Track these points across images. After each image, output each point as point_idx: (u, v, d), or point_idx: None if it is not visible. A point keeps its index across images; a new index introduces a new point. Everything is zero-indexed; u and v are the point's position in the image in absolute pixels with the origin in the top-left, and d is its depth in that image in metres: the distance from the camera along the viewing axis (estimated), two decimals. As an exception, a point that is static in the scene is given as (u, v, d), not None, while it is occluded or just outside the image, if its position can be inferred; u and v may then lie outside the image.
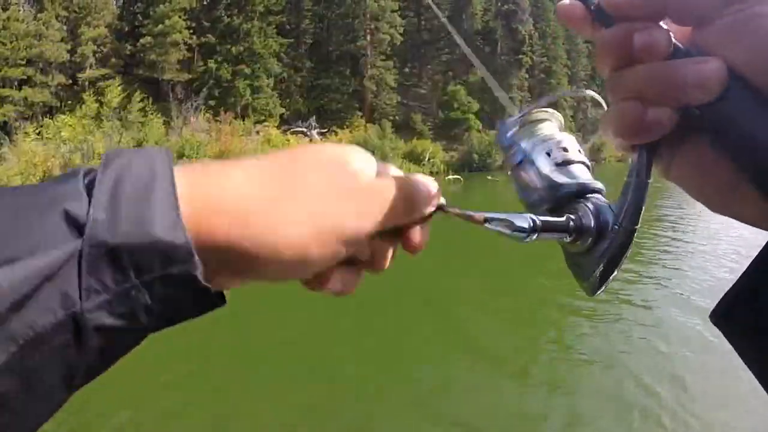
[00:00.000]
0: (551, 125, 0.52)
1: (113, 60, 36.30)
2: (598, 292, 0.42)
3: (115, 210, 0.29)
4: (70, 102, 33.30)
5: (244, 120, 36.93)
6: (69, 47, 33.82)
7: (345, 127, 42.92)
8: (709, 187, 0.36)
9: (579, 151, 0.48)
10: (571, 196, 0.45)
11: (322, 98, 44.25)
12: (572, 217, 0.43)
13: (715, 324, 0.32)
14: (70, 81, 34.30)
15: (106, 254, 0.28)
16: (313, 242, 0.36)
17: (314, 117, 42.73)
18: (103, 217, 0.28)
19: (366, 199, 0.40)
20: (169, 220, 0.29)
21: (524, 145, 0.50)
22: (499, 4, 56.31)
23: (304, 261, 0.36)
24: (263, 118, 38.86)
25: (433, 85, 53.69)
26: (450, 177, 37.34)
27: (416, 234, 0.45)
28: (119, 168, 0.31)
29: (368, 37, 45.30)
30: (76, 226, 0.28)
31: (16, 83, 31.50)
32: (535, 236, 0.41)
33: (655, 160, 0.37)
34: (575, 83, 66.80)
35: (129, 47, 36.72)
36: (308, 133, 41.24)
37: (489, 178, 36.31)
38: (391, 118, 45.71)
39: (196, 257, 0.30)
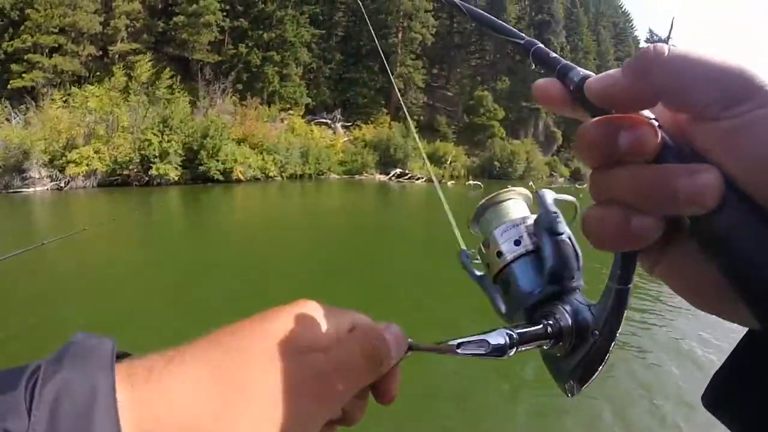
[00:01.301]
0: (520, 205, 0.49)
1: (145, 36, 36.40)
2: (576, 394, 0.40)
3: None
4: (98, 73, 33.40)
5: (269, 106, 36.88)
6: (102, 19, 33.99)
7: (369, 122, 42.65)
8: (695, 291, 0.34)
9: None
10: (548, 299, 0.43)
11: (348, 91, 44.09)
12: (549, 322, 0.41)
13: (706, 409, 0.31)
14: (101, 53, 34.45)
15: None
16: None
17: (339, 110, 42.59)
18: None
19: (328, 383, 0.37)
20: None
21: (505, 244, 0.47)
22: (534, 13, 55.87)
23: None
24: (289, 106, 38.77)
25: (461, 89, 53.32)
26: (470, 182, 36.92)
27: (387, 387, 0.42)
28: (59, 384, 0.29)
29: (400, 35, 45.07)
30: None
31: (47, 50, 31.64)
32: (513, 351, 0.39)
33: (640, 257, 0.35)
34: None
35: (161, 24, 36.82)
36: (332, 125, 41.08)
37: (509, 187, 35.77)
38: (416, 117, 45.41)
39: None
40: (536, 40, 0.42)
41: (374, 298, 8.13)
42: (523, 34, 0.44)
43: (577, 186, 41.16)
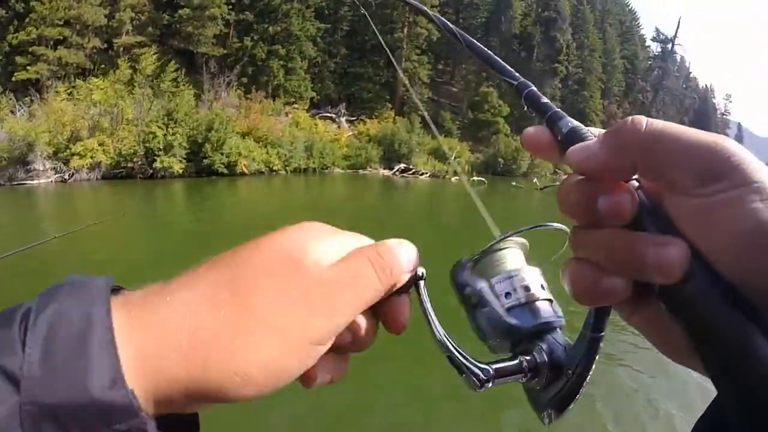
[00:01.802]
0: (516, 255, 0.51)
1: (150, 29, 36.26)
2: (553, 422, 0.43)
3: (50, 366, 0.27)
4: (103, 66, 33.33)
5: (274, 100, 36.80)
6: (107, 12, 33.86)
7: (374, 117, 42.53)
8: (665, 344, 0.35)
9: (542, 286, 0.47)
10: (528, 336, 0.45)
11: (353, 86, 43.95)
12: (526, 358, 0.43)
13: None
14: (105, 45, 34.34)
15: (47, 414, 0.26)
16: (283, 357, 0.34)
17: (344, 104, 42.46)
18: (37, 374, 0.26)
19: (333, 293, 0.36)
20: (108, 376, 0.27)
21: (481, 285, 0.48)
22: (540, 10, 55.53)
23: (279, 376, 0.34)
24: (293, 100, 38.69)
25: (466, 85, 53.12)
26: (475, 178, 36.81)
27: (397, 312, 0.41)
28: (53, 315, 0.28)
29: (405, 30, 44.87)
30: (14, 382, 0.26)
31: (51, 43, 31.56)
32: (491, 384, 0.41)
33: (615, 307, 0.37)
34: (608, 98, 65.90)
35: (166, 17, 36.66)
36: (337, 119, 40.98)
37: (513, 184, 35.73)
38: (420, 113, 45.29)
39: (143, 413, 0.28)
40: (530, 83, 0.43)
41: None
42: (518, 75, 0.46)
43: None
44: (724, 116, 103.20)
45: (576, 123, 0.38)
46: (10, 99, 26.24)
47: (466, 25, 56.28)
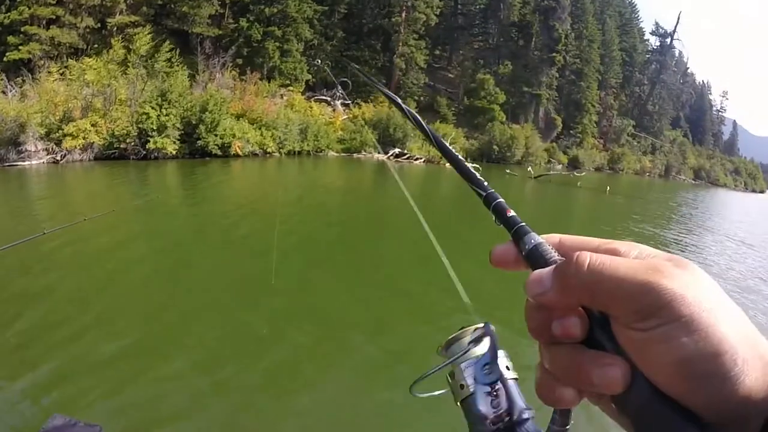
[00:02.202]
0: (485, 345, 0.58)
1: (144, 8, 35.73)
2: None
3: None
4: (96, 46, 32.89)
5: (269, 82, 36.52)
6: (101, -10, 33.34)
7: (369, 101, 42.38)
8: (626, 428, 0.38)
9: (507, 367, 0.55)
10: (506, 427, 0.52)
11: (349, 69, 43.62)
12: None
13: None
14: (99, 25, 33.80)
15: None
16: None
17: (339, 87, 42.19)
18: None
19: None
20: None
21: (468, 379, 0.56)
22: (539, -1, 55.22)
23: None
24: (288, 82, 38.43)
25: (462, 71, 52.89)
26: (469, 165, 36.74)
27: None
28: None
29: (403, 14, 44.54)
30: None
31: (44, 22, 31.09)
32: None
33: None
34: (605, 89, 65.82)
35: (161, -4, 36.20)
36: (332, 102, 40.77)
37: (507, 171, 35.84)
38: (417, 98, 45.13)
39: None
40: (498, 195, 0.48)
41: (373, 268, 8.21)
42: (487, 186, 0.50)
43: (575, 174, 41.31)
44: (720, 113, 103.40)
45: (538, 240, 0.43)
46: (2, 79, 25.90)
47: (465, 11, 56.04)
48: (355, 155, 36.44)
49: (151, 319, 5.79)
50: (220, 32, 37.04)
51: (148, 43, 32.20)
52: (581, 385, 0.37)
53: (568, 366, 0.37)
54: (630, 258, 0.38)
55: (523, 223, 0.44)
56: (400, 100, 0.78)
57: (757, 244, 17.13)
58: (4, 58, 28.83)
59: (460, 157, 0.55)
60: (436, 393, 0.62)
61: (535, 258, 0.42)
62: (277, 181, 20.52)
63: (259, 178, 22.42)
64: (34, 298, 6.19)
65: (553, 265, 0.40)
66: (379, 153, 36.29)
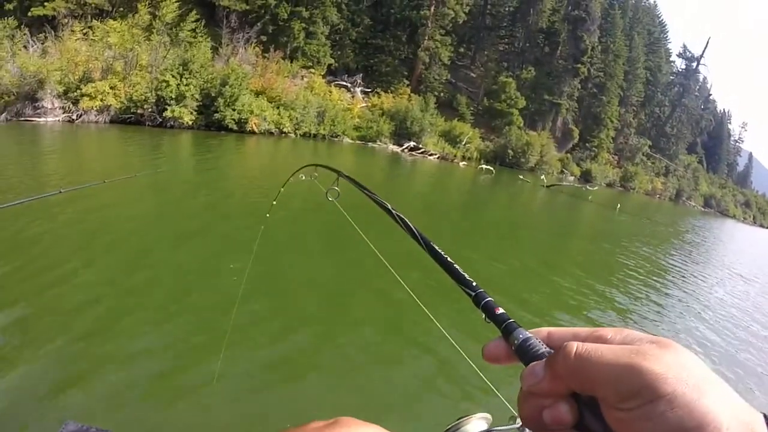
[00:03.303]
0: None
1: (173, -25, 35.50)
2: None
3: None
4: (121, 9, 32.61)
5: (291, 62, 36.29)
6: (131, -47, 33.04)
7: (389, 91, 42.10)
8: None
9: None
10: None
11: (372, 58, 43.36)
12: None
13: None
14: (127, -13, 33.62)
15: None
16: None
17: (361, 75, 41.97)
18: None
19: None
20: None
21: None
22: (570, 8, 54.59)
23: None
24: (311, 64, 38.18)
25: (485, 72, 52.46)
26: (483, 166, 36.68)
27: None
28: None
29: (432, 8, 44.12)
30: None
31: (72, -20, 30.84)
32: None
33: None
34: (625, 106, 65.30)
35: (192, -36, 35.88)
36: (352, 89, 40.53)
37: (521, 177, 35.64)
38: (437, 93, 44.80)
39: None
40: (486, 294, 0.51)
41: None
42: (476, 286, 0.54)
43: (587, 188, 41.07)
44: (737, 143, 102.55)
45: (526, 335, 0.46)
46: (25, 34, 25.72)
47: (494, 12, 55.49)
48: (369, 144, 36.27)
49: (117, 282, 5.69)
50: (247, 7, 36.71)
51: (175, 11, 31.93)
52: None
53: None
54: (615, 343, 0.41)
55: (512, 320, 0.48)
56: (388, 206, 0.80)
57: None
58: (29, 13, 28.62)
59: (449, 259, 0.57)
60: None
61: (524, 352, 0.44)
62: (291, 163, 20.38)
63: (273, 159, 22.26)
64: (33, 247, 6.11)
65: (545, 357, 0.43)
66: (393, 144, 36.14)
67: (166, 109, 23.74)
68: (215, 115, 25.53)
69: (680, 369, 0.35)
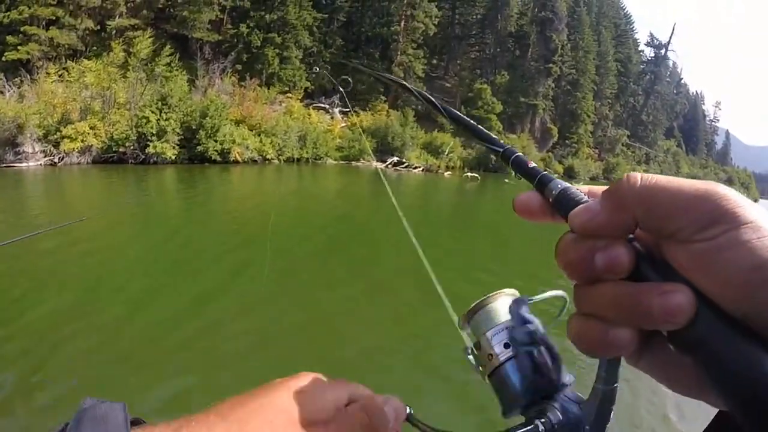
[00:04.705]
0: (532, 316, 0.51)
1: (144, 12, 35.77)
2: None
3: None
4: (95, 48, 32.84)
5: (269, 88, 36.51)
6: (101, -8, 33.27)
7: (367, 109, 42.43)
8: (675, 382, 0.35)
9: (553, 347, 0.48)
10: (543, 396, 0.46)
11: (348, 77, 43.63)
12: (542, 420, 0.44)
13: None
14: (98, 27, 33.79)
15: None
16: None
17: (338, 95, 42.30)
18: None
19: None
20: None
21: (496, 347, 0.50)
22: (537, 10, 55.60)
23: None
24: (287, 89, 38.45)
25: (460, 81, 53.12)
26: (468, 174, 37.00)
27: None
28: None
29: (402, 24, 44.72)
30: None
31: (43, 23, 31.01)
32: None
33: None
34: (600, 100, 66.29)
35: (161, 1, 36.18)
36: (330, 110, 40.80)
37: (506, 181, 35.89)
38: (414, 107, 45.22)
39: None
40: (515, 149, 0.45)
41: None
42: (503, 142, 0.47)
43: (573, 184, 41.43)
44: (713, 123, 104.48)
45: (565, 184, 0.40)
46: (0, 79, 25.76)
47: (462, 21, 56.30)
48: (353, 163, 36.43)
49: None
50: (220, 38, 37.09)
51: (149, 47, 32.11)
52: (639, 320, 0.32)
53: (620, 301, 0.33)
54: None
55: (546, 172, 0.42)
56: (403, 81, 0.74)
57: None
58: (3, 58, 28.70)
59: (471, 122, 0.52)
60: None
61: (564, 201, 0.38)
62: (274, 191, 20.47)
63: (258, 185, 22.33)
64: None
65: (601, 192, 0.37)
66: (375, 162, 36.36)
67: (148, 146, 23.76)
68: (198, 147, 25.57)
69: (755, 205, 0.30)
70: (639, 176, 0.34)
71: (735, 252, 0.29)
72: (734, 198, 0.30)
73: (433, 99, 0.59)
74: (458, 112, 0.54)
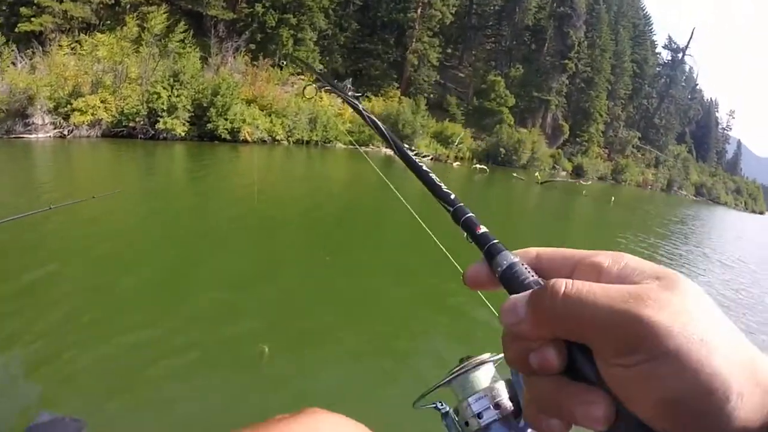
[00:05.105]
0: (488, 376, 0.53)
1: (159, -14, 35.41)
2: None
3: None
4: (108, 22, 32.53)
5: (281, 69, 36.24)
6: (117, -34, 32.96)
7: (379, 95, 42.15)
8: None
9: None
10: None
11: (361, 62, 43.45)
12: None
13: None
14: (113, 1, 33.46)
15: None
16: None
17: (350, 79, 42.02)
18: None
19: None
20: None
21: (473, 416, 0.51)
22: (555, 5, 54.92)
23: None
24: (300, 71, 38.18)
25: (474, 71, 52.68)
26: (477, 165, 36.78)
27: None
28: None
29: (419, 11, 44.26)
30: None
31: (58, -5, 30.72)
32: None
33: None
34: (614, 100, 65.70)
35: (177, -24, 35.83)
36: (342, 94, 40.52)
37: (514, 175, 35.73)
38: (427, 95, 44.91)
39: None
40: (467, 209, 0.44)
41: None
42: (455, 200, 0.47)
43: (581, 182, 41.23)
44: (725, 131, 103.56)
45: (511, 260, 0.39)
46: (12, 50, 25.54)
47: (480, 11, 55.69)
48: (362, 148, 36.08)
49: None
50: (235, 16, 36.73)
51: (163, 23, 31.82)
52: (567, 418, 0.34)
53: (549, 400, 0.34)
54: (612, 277, 0.35)
55: (496, 240, 0.41)
56: (357, 104, 0.75)
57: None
58: (16, 29, 28.45)
59: (424, 167, 0.51)
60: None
61: (508, 280, 0.38)
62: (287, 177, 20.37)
63: (269, 168, 22.24)
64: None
65: (528, 292, 0.37)
66: (385, 148, 36.09)
67: (158, 121, 23.63)
68: (208, 125, 25.44)
69: (688, 318, 0.30)
70: (562, 288, 0.33)
71: (648, 385, 0.29)
72: (658, 322, 0.30)
73: (384, 130, 0.59)
74: (413, 157, 0.52)
